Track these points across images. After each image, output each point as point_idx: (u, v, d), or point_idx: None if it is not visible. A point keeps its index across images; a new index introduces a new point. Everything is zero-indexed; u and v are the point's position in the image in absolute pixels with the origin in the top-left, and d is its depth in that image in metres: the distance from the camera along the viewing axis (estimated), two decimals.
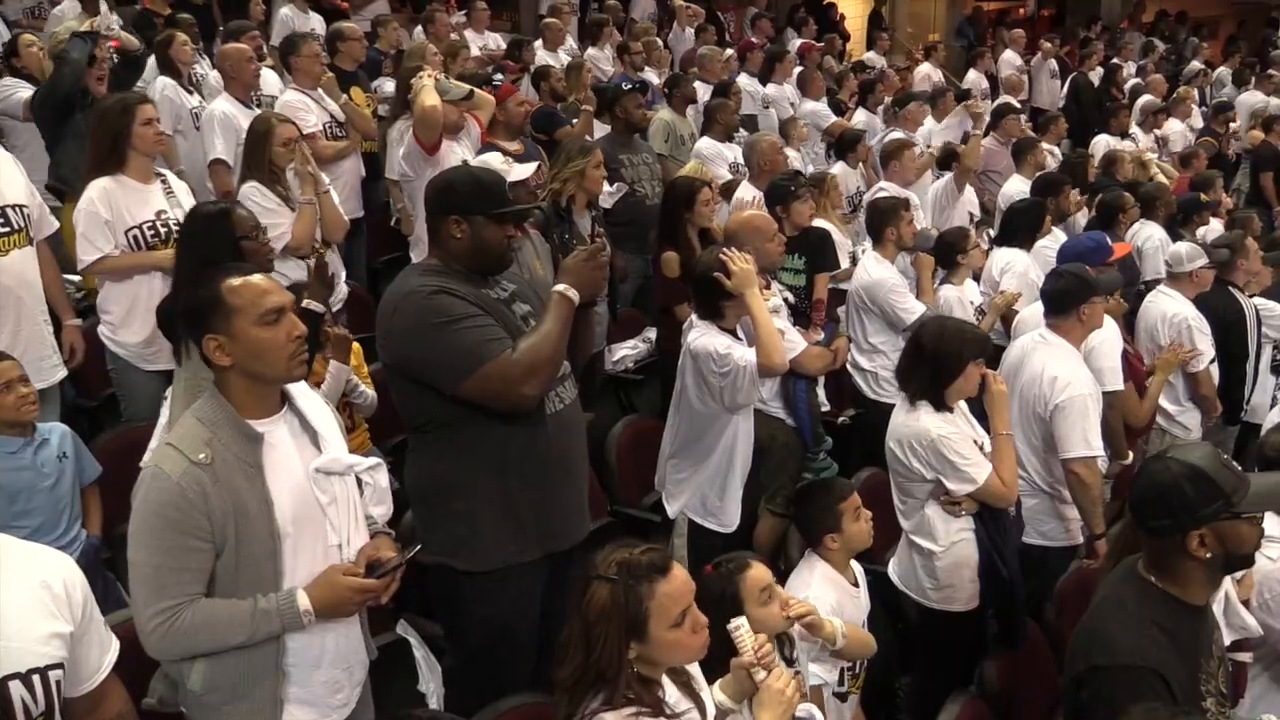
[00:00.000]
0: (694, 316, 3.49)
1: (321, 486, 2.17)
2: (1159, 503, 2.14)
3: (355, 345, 3.65)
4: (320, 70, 5.36)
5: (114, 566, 2.85)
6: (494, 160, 3.67)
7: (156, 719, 2.22)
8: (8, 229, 3.55)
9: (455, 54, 6.66)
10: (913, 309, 4.51)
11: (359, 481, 2.27)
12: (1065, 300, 3.70)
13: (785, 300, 4.19)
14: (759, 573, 2.45)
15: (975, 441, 3.20)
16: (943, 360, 3.16)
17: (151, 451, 2.81)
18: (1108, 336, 3.96)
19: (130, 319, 3.78)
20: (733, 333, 3.42)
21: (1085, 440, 3.51)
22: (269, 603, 2.07)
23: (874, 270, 4.65)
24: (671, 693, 2.06)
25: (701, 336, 3.37)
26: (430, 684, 2.91)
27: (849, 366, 4.69)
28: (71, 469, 3.14)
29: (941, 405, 3.18)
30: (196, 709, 2.16)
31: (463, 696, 2.78)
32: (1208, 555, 2.12)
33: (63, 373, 3.78)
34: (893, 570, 3.36)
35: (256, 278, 2.13)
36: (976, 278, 5.10)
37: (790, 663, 2.46)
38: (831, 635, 2.60)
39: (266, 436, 2.11)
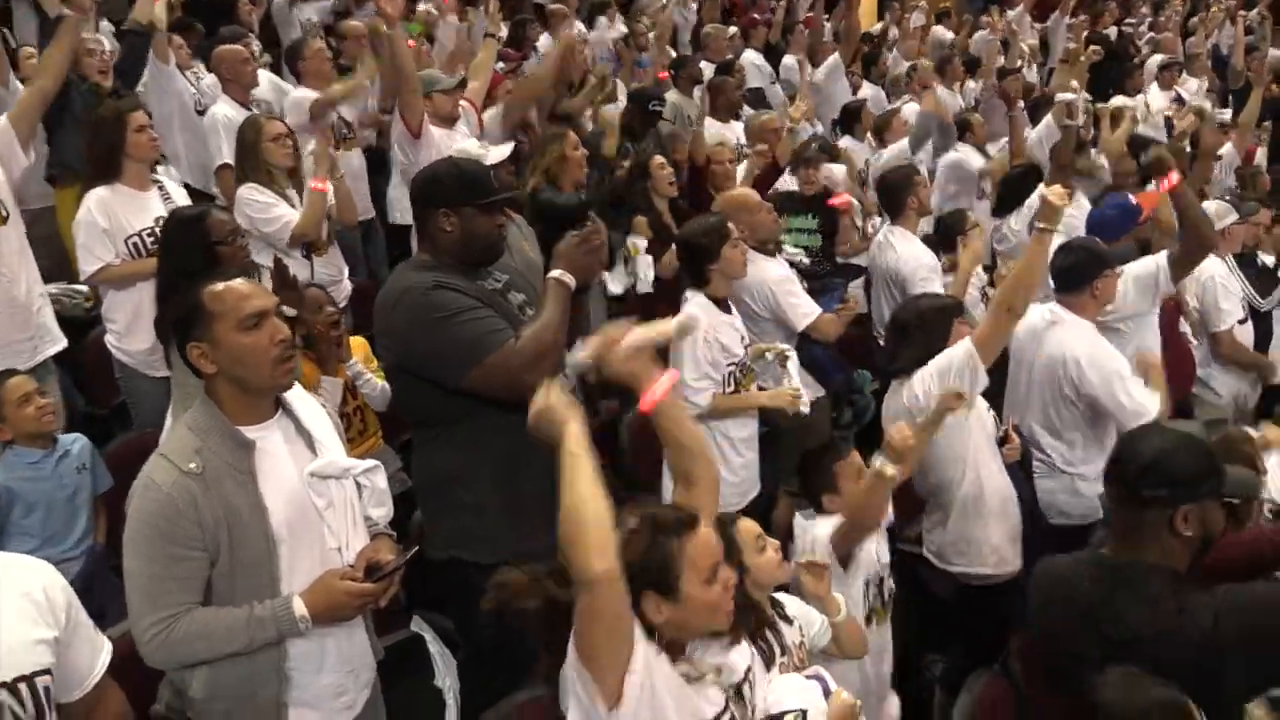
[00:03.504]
0: (688, 291, 3.53)
1: (318, 490, 2.15)
2: (1157, 470, 2.05)
3: (360, 340, 3.66)
4: (328, 68, 5.33)
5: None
6: (471, 146, 3.64)
7: None
8: None
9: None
10: None
11: (358, 484, 2.25)
12: (1077, 276, 3.53)
13: (799, 263, 4.15)
14: (749, 524, 2.42)
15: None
16: (930, 326, 3.19)
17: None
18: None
19: (135, 326, 3.80)
20: (723, 301, 3.45)
21: (1130, 397, 3.35)
22: (265, 610, 2.06)
23: (901, 247, 4.47)
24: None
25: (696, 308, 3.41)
26: (446, 679, 2.90)
27: (875, 338, 4.60)
28: (89, 481, 3.17)
29: None
30: (201, 715, 2.16)
31: (476, 689, 2.77)
32: (1188, 534, 2.04)
33: (53, 348, 3.74)
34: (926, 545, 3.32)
35: (238, 282, 2.10)
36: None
37: (789, 621, 2.40)
38: (832, 602, 2.51)
39: (259, 443, 2.10)
